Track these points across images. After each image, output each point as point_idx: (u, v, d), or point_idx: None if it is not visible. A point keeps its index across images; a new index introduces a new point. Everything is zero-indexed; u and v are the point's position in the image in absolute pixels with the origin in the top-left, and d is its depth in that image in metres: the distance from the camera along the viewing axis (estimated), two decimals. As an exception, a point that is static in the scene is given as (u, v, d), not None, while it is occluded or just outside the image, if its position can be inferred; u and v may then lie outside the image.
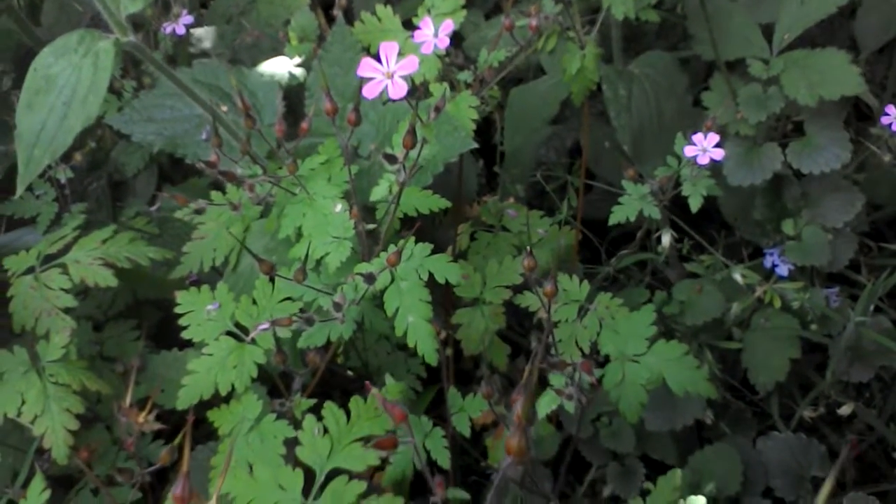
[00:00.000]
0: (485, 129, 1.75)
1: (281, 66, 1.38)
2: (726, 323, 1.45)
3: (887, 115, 1.38)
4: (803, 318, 1.44)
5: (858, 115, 1.68)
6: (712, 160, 1.08)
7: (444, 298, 1.32)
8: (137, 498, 1.12)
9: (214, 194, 1.24)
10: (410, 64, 0.84)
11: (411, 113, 0.88)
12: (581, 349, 1.13)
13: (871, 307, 1.42)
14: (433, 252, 0.99)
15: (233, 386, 1.03)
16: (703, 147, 1.09)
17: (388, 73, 0.85)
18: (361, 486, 0.83)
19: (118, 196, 1.48)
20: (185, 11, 1.35)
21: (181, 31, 1.36)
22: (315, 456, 0.88)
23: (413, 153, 0.88)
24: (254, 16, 1.60)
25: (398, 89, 0.84)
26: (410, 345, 0.95)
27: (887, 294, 1.63)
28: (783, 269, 1.45)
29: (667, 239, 1.34)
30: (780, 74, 1.39)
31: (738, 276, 1.44)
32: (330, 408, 0.91)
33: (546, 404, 0.85)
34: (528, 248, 0.84)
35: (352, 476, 0.86)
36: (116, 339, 1.27)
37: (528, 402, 0.59)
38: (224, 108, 1.26)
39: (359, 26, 1.32)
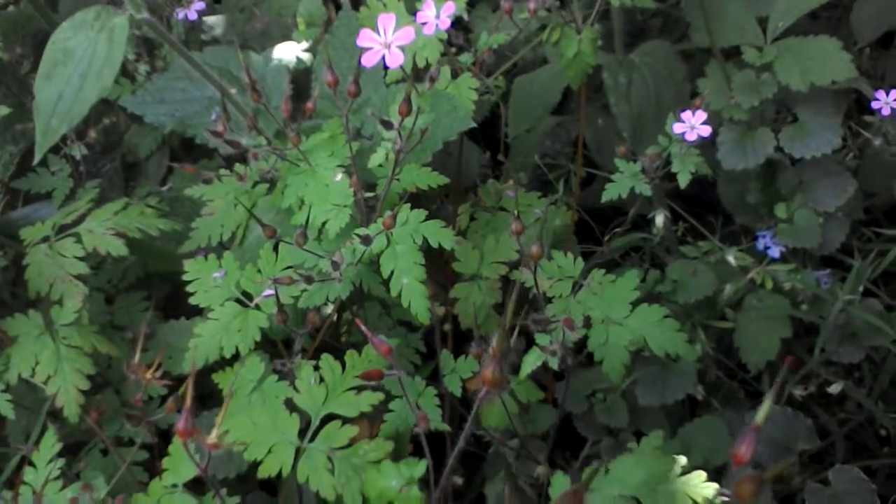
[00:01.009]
0: (491, 122, 1.80)
1: (289, 51, 1.43)
2: (719, 303, 1.49)
3: (877, 100, 1.42)
4: (794, 299, 1.48)
5: (861, 109, 1.72)
6: (700, 137, 1.12)
7: (443, 275, 1.37)
8: (145, 458, 1.16)
9: (223, 172, 1.29)
10: (406, 35, 0.89)
11: (425, 93, 0.93)
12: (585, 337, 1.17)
13: (861, 289, 1.46)
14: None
15: (237, 349, 1.07)
16: (692, 124, 1.14)
17: (385, 43, 0.90)
18: (353, 430, 0.88)
19: (131, 177, 1.54)
20: (197, -2, 1.41)
21: (193, 16, 1.42)
22: (311, 402, 0.93)
23: (409, 121, 0.93)
24: (266, 6, 1.65)
25: (395, 58, 0.88)
26: (404, 305, 0.99)
27: (880, 279, 1.67)
28: (775, 251, 1.49)
29: (660, 219, 1.38)
30: (773, 61, 1.43)
31: (731, 258, 1.48)
32: (326, 359, 0.96)
33: (531, 362, 0.89)
34: (516, 212, 0.88)
35: (345, 421, 0.91)
36: (127, 310, 1.32)
37: (502, 338, 0.63)
38: (233, 91, 1.31)
39: (364, 11, 1.36)
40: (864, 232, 1.65)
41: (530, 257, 0.88)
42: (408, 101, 0.92)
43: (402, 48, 0.90)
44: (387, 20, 0.91)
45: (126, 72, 1.48)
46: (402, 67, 0.97)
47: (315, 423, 0.93)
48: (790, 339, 1.51)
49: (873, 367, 1.55)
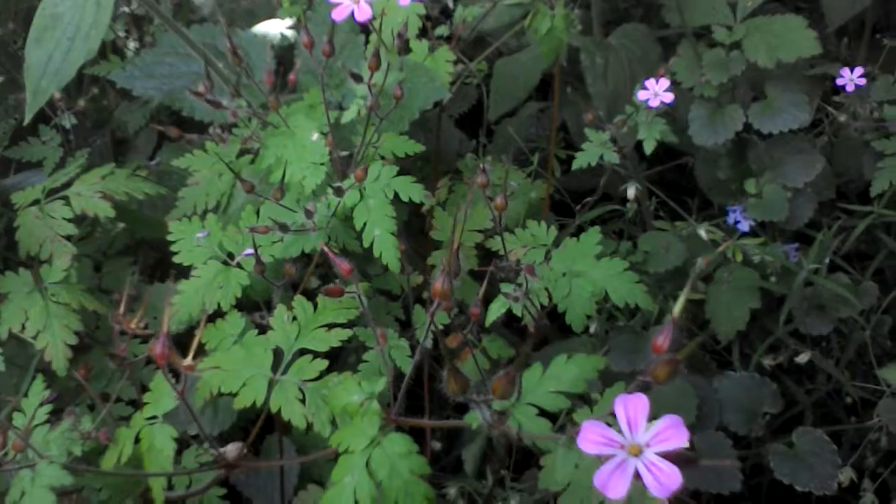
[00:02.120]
0: (477, 109, 1.85)
1: (273, 28, 1.48)
2: (691, 276, 1.54)
3: (842, 76, 1.47)
4: (764, 271, 1.52)
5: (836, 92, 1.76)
6: (663, 103, 1.17)
7: (423, 246, 1.41)
8: (130, 412, 1.21)
9: (208, 144, 1.34)
10: None
11: (393, 50, 0.97)
12: (548, 290, 1.22)
13: (828, 261, 1.50)
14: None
15: (219, 306, 1.12)
16: (655, 91, 1.18)
17: None
18: (324, 363, 0.93)
19: (120, 152, 1.58)
20: (183, -26, 1.46)
21: (180, -8, 1.47)
22: (284, 338, 0.98)
23: (379, 77, 0.98)
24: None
25: (363, 12, 0.93)
26: (376, 255, 1.04)
27: (848, 255, 1.72)
28: (744, 225, 1.53)
29: (632, 191, 1.42)
30: (742, 39, 1.48)
31: (702, 232, 1.53)
32: (299, 300, 1.00)
33: (496, 309, 0.94)
34: (482, 165, 0.93)
35: (315, 355, 0.95)
36: (114, 274, 1.36)
37: (454, 256, 0.68)
38: (220, 65, 1.36)
39: (345, -11, 1.41)
40: (837, 212, 1.69)
41: (494, 208, 0.92)
42: (376, 56, 0.97)
43: (370, 3, 0.95)
44: None
45: (116, 48, 1.52)
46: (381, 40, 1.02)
47: (288, 357, 0.98)
48: (761, 311, 1.56)
49: (841, 340, 1.59)
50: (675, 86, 1.57)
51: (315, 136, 1.08)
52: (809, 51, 1.43)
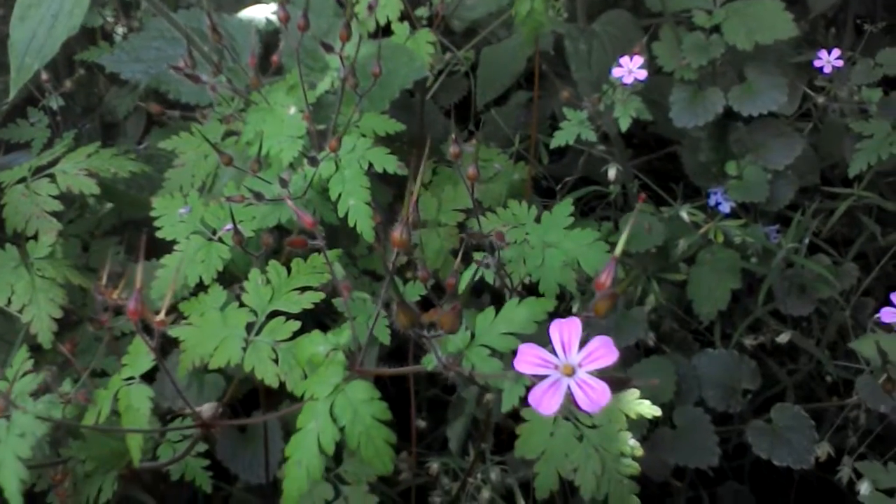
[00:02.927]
0: (466, 100, 1.87)
1: (259, 13, 1.50)
2: (673, 258, 1.56)
3: (819, 58, 1.49)
4: (745, 252, 1.54)
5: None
6: (637, 80, 1.19)
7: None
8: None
9: (194, 126, 1.36)
10: None
11: (365, 21, 0.99)
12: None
13: (807, 242, 1.52)
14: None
15: (201, 279, 1.14)
16: (629, 69, 1.21)
17: None
18: (296, 324, 0.95)
19: (110, 136, 1.61)
20: (170, -41, 1.48)
21: (167, -23, 1.49)
22: (258, 301, 1.00)
23: (351, 49, 1.00)
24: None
25: None
26: (350, 224, 1.06)
27: (832, 238, 1.74)
28: (725, 207, 1.55)
29: (612, 172, 1.44)
30: (721, 23, 1.50)
31: (684, 214, 1.55)
32: (274, 265, 1.03)
33: (468, 276, 0.96)
34: (453, 136, 0.95)
35: (288, 317, 0.98)
36: (101, 253, 1.38)
37: (413, 208, 0.70)
38: (206, 48, 1.38)
39: (329, -27, 1.44)
40: (819, 195, 1.71)
41: (468, 178, 0.94)
42: (347, 26, 0.99)
43: None
44: None
45: (104, 33, 1.55)
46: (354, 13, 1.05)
47: (261, 319, 1.00)
48: (744, 292, 1.58)
49: (823, 321, 1.61)
50: (657, 70, 1.61)
51: (292, 110, 1.10)
52: (786, 33, 1.45)
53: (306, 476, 0.76)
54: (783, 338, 1.50)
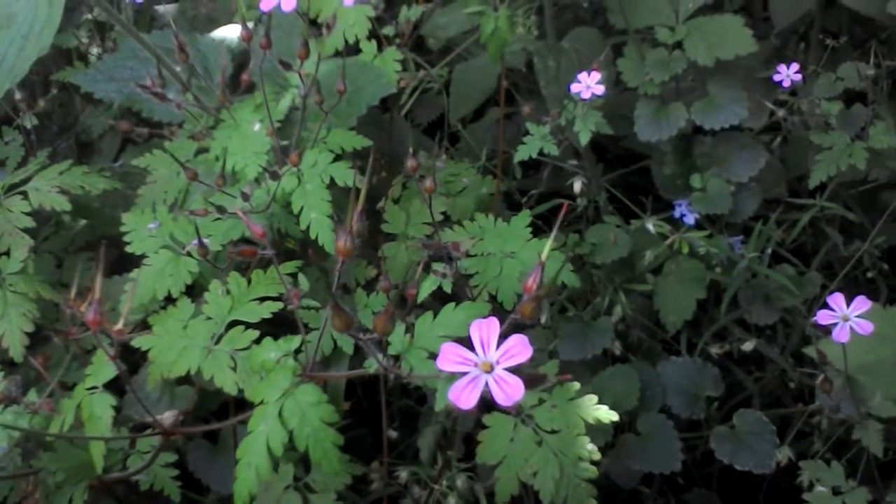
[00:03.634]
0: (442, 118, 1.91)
1: (231, 32, 1.54)
2: (640, 269, 1.59)
3: (779, 73, 1.52)
4: (710, 263, 1.58)
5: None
6: (595, 95, 1.22)
7: (375, 239, 1.46)
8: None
9: (166, 143, 1.39)
10: None
11: (321, 40, 1.03)
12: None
13: (769, 251, 1.56)
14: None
15: (169, 293, 1.17)
16: (587, 84, 1.24)
17: None
18: (254, 333, 0.98)
19: (85, 155, 1.64)
20: (143, -18, 1.52)
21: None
22: (218, 311, 1.03)
23: (310, 66, 1.03)
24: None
25: (288, 3, 0.99)
26: (312, 237, 1.09)
27: (800, 249, 1.77)
28: (690, 219, 1.59)
29: (578, 185, 1.48)
30: (683, 39, 1.54)
31: (650, 226, 1.58)
32: (234, 276, 1.06)
33: (427, 287, 0.99)
34: (410, 150, 0.98)
35: (248, 326, 1.00)
36: (74, 269, 1.41)
37: (357, 216, 0.73)
38: (178, 68, 1.41)
39: (299, -8, 1.47)
40: (783, 206, 1.74)
41: (425, 190, 0.97)
42: (304, 45, 1.03)
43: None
44: None
45: (80, 54, 1.58)
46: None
47: (221, 329, 1.03)
48: (712, 302, 1.61)
49: (787, 329, 1.64)
50: (621, 85, 1.65)
51: (257, 126, 1.13)
52: (746, 49, 1.49)
53: (256, 477, 0.78)
54: (748, 346, 1.53)
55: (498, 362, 0.64)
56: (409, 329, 0.84)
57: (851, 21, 1.95)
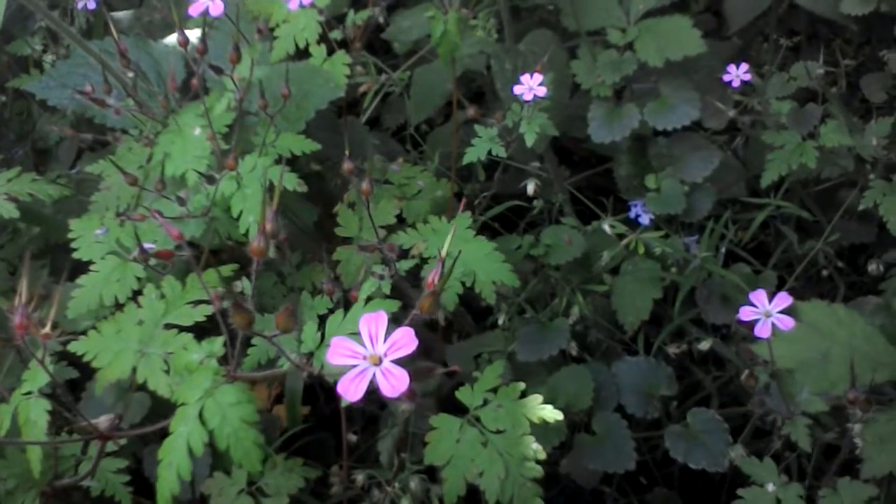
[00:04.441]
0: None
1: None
2: (596, 270, 1.60)
3: (728, 73, 1.54)
4: (665, 263, 1.59)
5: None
6: (537, 97, 1.23)
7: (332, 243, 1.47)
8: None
9: (118, 150, 1.40)
10: None
11: (255, 45, 1.03)
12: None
13: (723, 250, 1.57)
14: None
15: (116, 299, 1.17)
16: (530, 86, 1.25)
17: None
18: (188, 336, 0.98)
19: (43, 162, 1.64)
20: (96, -13, 1.52)
21: (92, 6, 1.53)
22: (152, 314, 1.03)
23: (244, 70, 1.04)
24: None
25: (216, 7, 1.00)
26: (251, 239, 1.10)
27: (760, 248, 1.79)
28: (645, 219, 1.60)
29: (531, 187, 1.48)
30: (634, 41, 1.55)
31: (606, 227, 1.59)
32: (168, 280, 1.06)
33: (367, 288, 0.99)
34: (346, 154, 0.98)
35: (181, 329, 1.01)
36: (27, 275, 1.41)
37: (271, 217, 0.73)
38: (130, 74, 1.41)
39: (251, -1, 1.48)
40: (739, 206, 1.76)
41: (362, 193, 0.98)
42: (236, 49, 1.03)
43: (224, 1, 1.02)
44: None
45: (35, 62, 1.58)
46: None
47: (155, 332, 1.03)
48: (671, 303, 1.61)
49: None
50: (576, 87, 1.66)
51: (198, 131, 1.14)
52: (694, 49, 1.50)
53: (177, 477, 0.79)
54: (704, 345, 1.54)
55: (385, 355, 0.64)
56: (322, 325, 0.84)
57: (815, 21, 1.96)
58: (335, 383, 0.63)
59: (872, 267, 1.60)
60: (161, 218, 0.83)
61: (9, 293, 1.36)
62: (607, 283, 1.60)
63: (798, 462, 1.46)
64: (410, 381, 0.61)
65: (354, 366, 0.64)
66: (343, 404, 0.82)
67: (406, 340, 0.63)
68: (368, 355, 0.64)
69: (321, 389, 1.67)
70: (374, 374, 0.63)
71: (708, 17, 2.01)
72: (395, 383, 0.62)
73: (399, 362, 0.63)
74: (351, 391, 0.62)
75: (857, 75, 1.93)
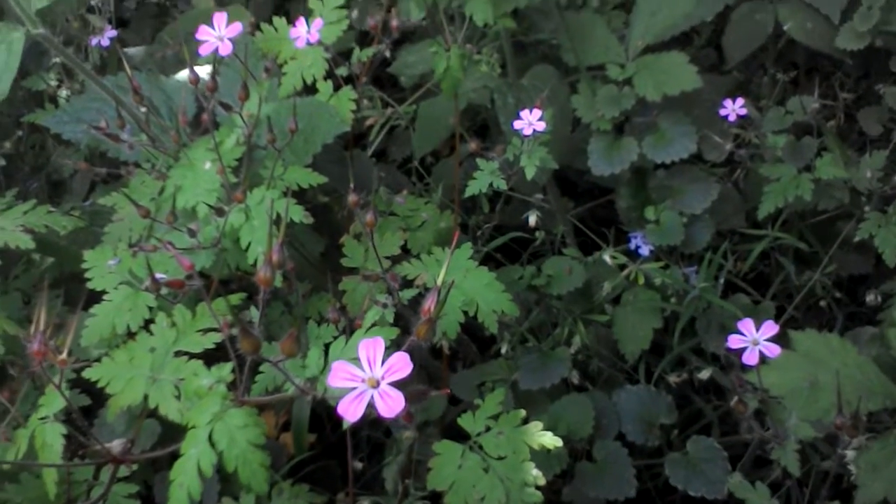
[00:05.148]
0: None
1: (195, 74, 1.58)
2: (598, 300, 1.63)
3: (724, 107, 1.57)
4: (665, 293, 1.62)
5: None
6: (536, 131, 1.27)
7: (339, 273, 1.51)
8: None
9: (131, 183, 1.44)
10: (234, 28, 1.06)
11: (263, 82, 1.07)
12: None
13: (722, 280, 1.60)
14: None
15: (128, 327, 1.20)
16: (529, 121, 1.29)
17: (219, 36, 1.07)
18: (198, 363, 1.01)
19: (57, 194, 1.68)
20: (108, 27, 1.57)
21: (106, 43, 1.58)
22: (163, 342, 1.07)
23: (252, 107, 1.08)
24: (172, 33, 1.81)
25: (225, 48, 1.04)
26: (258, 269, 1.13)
27: (759, 278, 1.81)
28: (644, 250, 1.63)
29: (533, 218, 1.52)
30: (633, 76, 1.59)
31: (607, 258, 1.62)
32: (179, 309, 1.09)
33: (371, 317, 1.02)
34: (351, 184, 1.02)
35: (191, 356, 1.04)
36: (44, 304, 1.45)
37: (277, 249, 0.77)
38: (143, 109, 1.46)
39: (259, 36, 1.52)
40: (741, 238, 1.79)
41: (366, 225, 1.01)
42: (244, 87, 1.08)
43: (231, 40, 1.06)
44: (219, 18, 1.09)
45: (50, 97, 1.63)
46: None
47: (166, 359, 1.07)
48: (672, 332, 1.64)
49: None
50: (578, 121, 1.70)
51: (208, 165, 1.18)
52: (691, 84, 1.54)
53: (188, 497, 0.82)
54: (704, 374, 1.56)
55: (383, 378, 0.68)
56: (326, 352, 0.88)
57: (815, 54, 2.00)
58: (336, 406, 0.66)
59: (870, 298, 1.63)
60: (173, 249, 0.86)
61: (24, 322, 1.39)
62: (608, 312, 1.64)
63: (799, 488, 1.49)
64: (406, 403, 0.64)
65: (354, 388, 0.67)
66: (345, 426, 0.85)
67: (402, 364, 0.67)
68: (367, 378, 0.68)
69: (327, 418, 1.70)
70: (371, 396, 0.67)
71: (710, 52, 2.06)
72: (391, 405, 0.65)
73: (396, 385, 0.66)
74: (350, 412, 0.66)
75: (856, 107, 1.96)
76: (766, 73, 2.03)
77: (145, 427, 1.38)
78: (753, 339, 1.13)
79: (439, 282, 0.73)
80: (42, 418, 1.04)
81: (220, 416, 0.82)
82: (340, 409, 0.66)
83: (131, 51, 1.73)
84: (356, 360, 0.68)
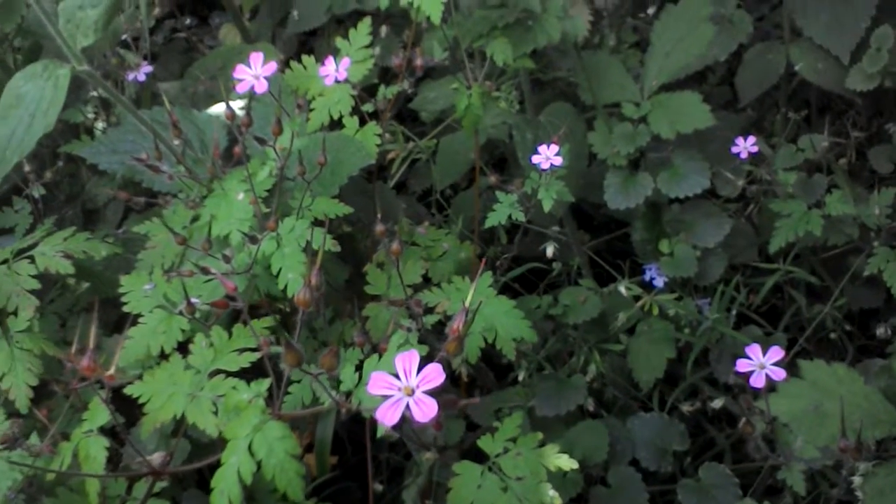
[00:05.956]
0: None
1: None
2: (613, 329, 1.68)
3: (736, 145, 1.63)
4: (678, 324, 1.66)
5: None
6: (553, 166, 1.33)
7: (363, 301, 1.56)
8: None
9: (164, 212, 1.50)
10: (270, 68, 1.13)
11: (295, 118, 1.14)
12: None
13: (734, 312, 1.64)
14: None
15: (162, 349, 1.26)
16: (547, 156, 1.35)
17: (255, 74, 1.14)
18: (236, 379, 1.07)
19: (91, 222, 1.75)
20: (144, 63, 1.64)
21: (142, 78, 1.65)
22: (202, 361, 1.12)
23: (285, 141, 1.14)
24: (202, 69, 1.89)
25: (261, 86, 1.11)
26: (289, 295, 1.19)
27: (771, 311, 1.85)
28: (659, 282, 1.68)
29: (550, 250, 1.57)
30: (647, 114, 1.65)
31: (622, 289, 1.67)
32: (217, 330, 1.15)
33: (396, 342, 1.07)
34: (378, 216, 1.07)
35: (228, 374, 1.10)
36: (76, 328, 1.51)
37: (316, 273, 0.82)
38: (177, 142, 1.52)
39: (289, 73, 1.59)
40: (750, 270, 1.83)
41: (391, 253, 1.07)
42: (278, 122, 1.14)
43: (267, 79, 1.13)
44: (255, 58, 1.16)
45: (86, 128, 1.70)
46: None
47: (204, 377, 1.12)
48: (684, 362, 1.69)
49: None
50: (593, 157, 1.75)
51: (241, 195, 1.24)
52: (703, 123, 1.60)
53: (228, 503, 0.87)
54: (717, 403, 1.60)
55: (417, 386, 0.74)
56: (359, 368, 0.93)
57: (828, 94, 2.05)
58: (370, 419, 0.71)
59: (881, 331, 1.67)
60: (216, 272, 0.92)
61: (60, 343, 1.45)
62: (623, 342, 1.68)
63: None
64: (438, 410, 0.70)
65: (390, 396, 0.73)
66: (381, 431, 0.90)
67: (435, 374, 0.73)
68: (403, 387, 0.74)
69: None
70: (407, 403, 0.72)
71: (724, 89, 2.12)
72: (426, 410, 0.71)
73: (429, 393, 0.72)
74: (388, 417, 0.72)
75: (868, 146, 2.01)
76: (778, 111, 2.09)
77: (174, 446, 1.43)
78: (760, 363, 1.18)
79: (468, 303, 0.78)
80: (86, 432, 1.09)
81: (258, 427, 0.88)
82: (378, 415, 0.72)
83: (164, 85, 1.80)
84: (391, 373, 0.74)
